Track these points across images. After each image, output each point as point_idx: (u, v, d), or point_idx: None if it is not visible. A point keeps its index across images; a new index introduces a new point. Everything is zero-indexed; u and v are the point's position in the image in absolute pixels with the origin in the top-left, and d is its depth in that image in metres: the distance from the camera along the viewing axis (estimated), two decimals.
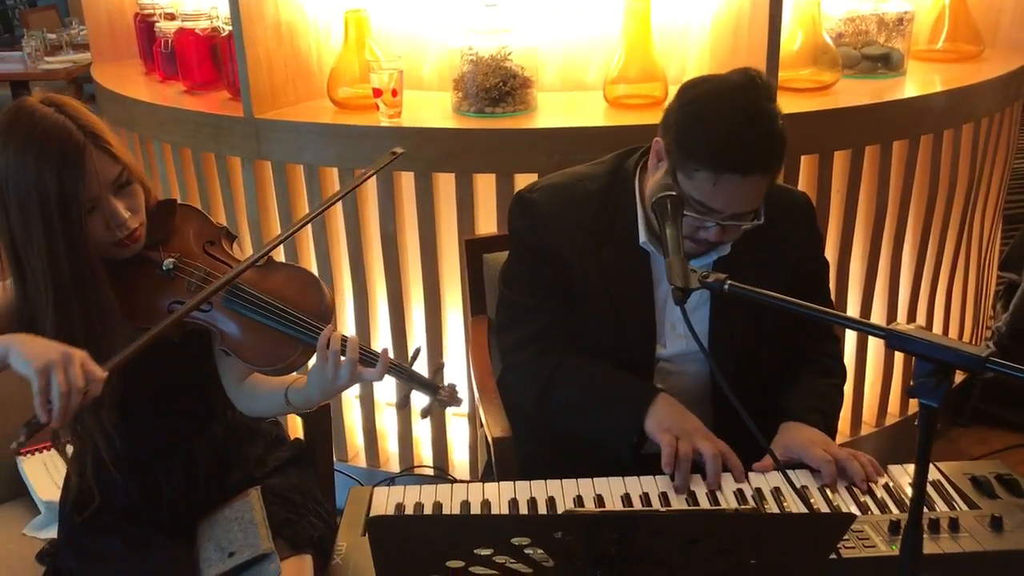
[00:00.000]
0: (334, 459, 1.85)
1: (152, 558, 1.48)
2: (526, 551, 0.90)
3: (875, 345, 2.57)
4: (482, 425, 2.09)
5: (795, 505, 1.37)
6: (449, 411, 2.47)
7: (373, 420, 2.52)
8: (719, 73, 1.53)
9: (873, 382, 2.63)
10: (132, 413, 1.48)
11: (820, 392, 1.64)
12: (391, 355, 1.42)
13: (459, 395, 1.45)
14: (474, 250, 2.03)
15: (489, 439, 1.65)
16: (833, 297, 2.40)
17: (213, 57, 2.56)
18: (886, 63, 2.47)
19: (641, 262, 1.63)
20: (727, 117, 1.44)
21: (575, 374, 1.64)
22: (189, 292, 1.41)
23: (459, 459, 2.54)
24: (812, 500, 1.39)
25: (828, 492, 1.41)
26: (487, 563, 0.90)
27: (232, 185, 2.44)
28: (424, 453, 2.55)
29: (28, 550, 1.68)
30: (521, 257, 1.72)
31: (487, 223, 2.25)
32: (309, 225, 2.37)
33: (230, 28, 2.44)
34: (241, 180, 2.40)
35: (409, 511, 1.37)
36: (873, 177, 2.34)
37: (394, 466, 2.57)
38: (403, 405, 1.46)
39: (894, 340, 1.06)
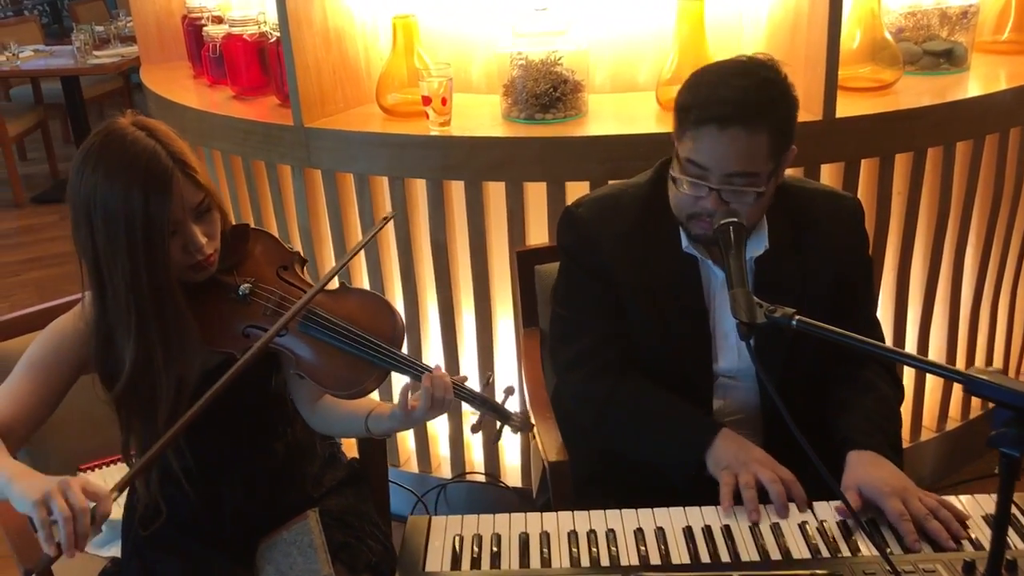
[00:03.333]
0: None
1: None
2: None
3: (935, 348, 2.50)
4: (534, 437, 2.08)
5: (867, 549, 1.32)
6: None
7: (424, 425, 2.52)
8: None
9: (933, 387, 2.56)
10: (197, 428, 1.47)
11: (877, 410, 1.57)
12: (463, 380, 1.44)
13: (528, 421, 1.45)
14: (525, 262, 2.01)
15: (545, 463, 1.63)
16: (893, 303, 2.35)
17: (261, 62, 2.55)
18: (949, 58, 2.39)
19: (689, 270, 1.60)
20: (711, 73, 1.47)
21: (632, 400, 1.62)
22: (264, 316, 1.43)
23: (510, 464, 2.53)
24: (888, 549, 1.32)
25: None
26: None
27: (283, 193, 2.44)
28: (475, 458, 2.55)
29: (91, 567, 1.70)
30: (571, 273, 1.70)
31: (538, 233, 2.22)
32: (359, 235, 2.36)
33: (278, 34, 2.43)
34: (291, 188, 2.40)
35: (468, 543, 1.35)
36: (936, 179, 2.27)
37: (446, 471, 2.57)
38: (478, 430, 1.45)
39: (972, 386, 1.02)
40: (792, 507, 1.41)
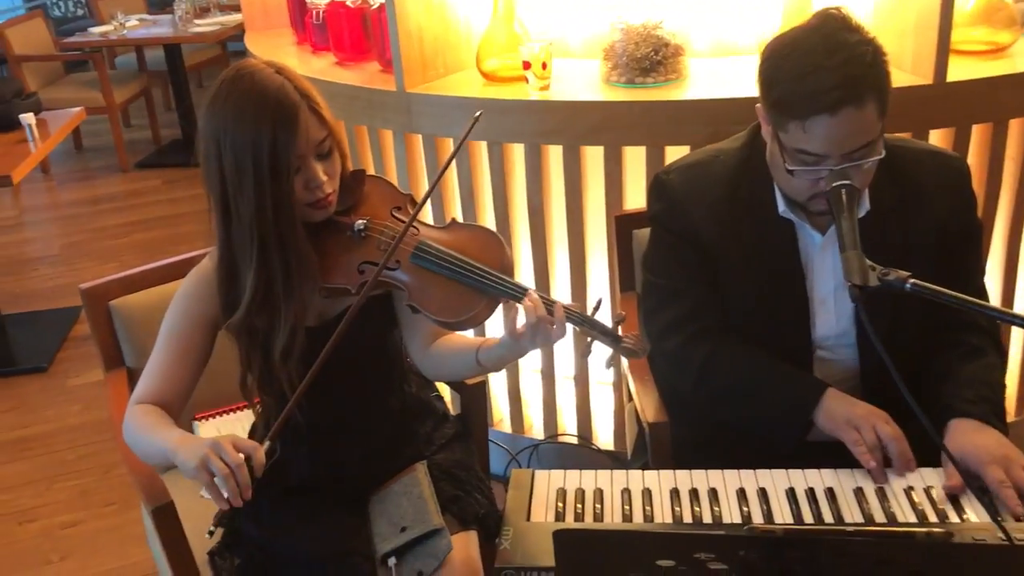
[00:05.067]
0: None
1: (330, 531, 1.56)
2: (709, 565, 0.90)
3: None
4: (631, 399, 2.10)
5: (976, 516, 1.31)
6: (593, 379, 2.48)
7: (518, 386, 2.57)
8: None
9: None
10: (317, 382, 1.54)
11: (980, 377, 1.53)
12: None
13: (645, 343, 1.42)
14: (623, 226, 2.02)
15: (644, 424, 1.66)
16: (1002, 274, 2.29)
17: (364, 29, 2.60)
18: None
19: (784, 235, 1.58)
20: (798, 61, 1.38)
21: (732, 363, 1.61)
22: (379, 252, 1.47)
23: (601, 427, 2.56)
24: (1001, 517, 1.29)
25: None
26: (667, 574, 0.91)
27: (384, 158, 2.49)
28: (565, 421, 2.59)
29: (207, 512, 1.80)
30: (662, 240, 1.69)
31: (635, 197, 2.23)
32: (458, 198, 2.41)
33: (380, 1, 2.48)
34: (392, 153, 2.45)
35: (571, 497, 1.39)
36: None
37: (537, 433, 2.61)
38: (586, 354, 1.45)
39: None
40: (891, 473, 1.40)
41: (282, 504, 1.62)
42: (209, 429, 1.97)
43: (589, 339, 1.41)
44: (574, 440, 2.56)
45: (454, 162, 2.37)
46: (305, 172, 1.43)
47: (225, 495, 1.25)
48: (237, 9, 5.96)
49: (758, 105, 1.49)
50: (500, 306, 1.46)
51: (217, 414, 2.00)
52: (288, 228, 1.43)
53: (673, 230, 1.65)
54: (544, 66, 2.18)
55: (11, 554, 2.57)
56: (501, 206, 2.34)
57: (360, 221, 1.50)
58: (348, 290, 1.48)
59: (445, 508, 1.58)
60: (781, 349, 1.61)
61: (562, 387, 2.53)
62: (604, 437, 2.55)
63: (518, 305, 1.40)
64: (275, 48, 2.95)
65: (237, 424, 1.98)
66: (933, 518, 1.30)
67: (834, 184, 1.35)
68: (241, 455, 1.26)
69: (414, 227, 1.50)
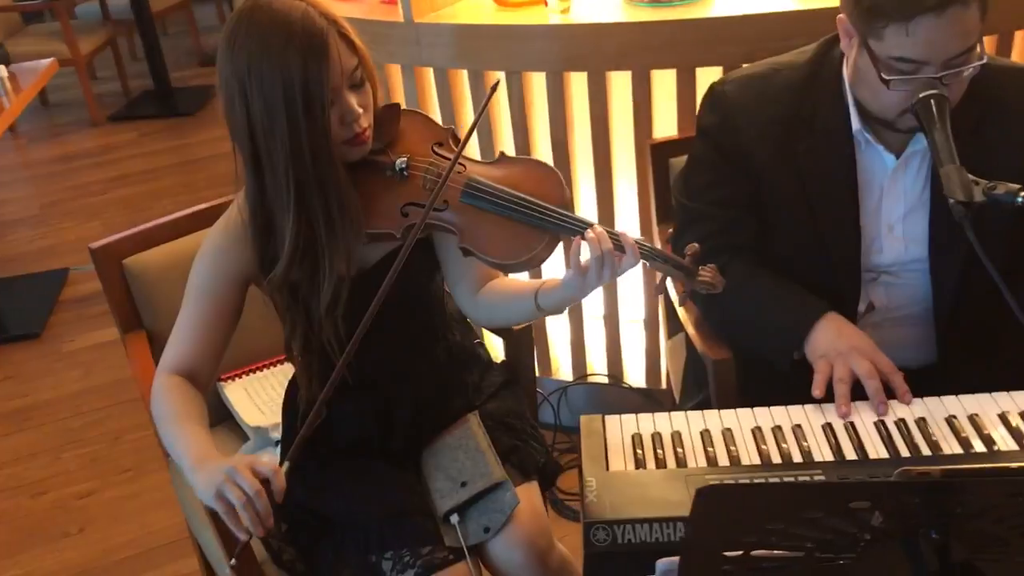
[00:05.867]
0: None
1: (385, 490, 1.48)
2: (858, 514, 0.82)
3: None
4: (671, 336, 2.03)
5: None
6: (623, 317, 2.40)
7: (544, 329, 2.48)
8: None
9: None
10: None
11: None
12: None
13: (720, 276, 1.33)
14: (659, 155, 1.92)
15: (707, 361, 1.57)
16: None
17: None
18: None
19: (845, 158, 1.48)
20: None
21: (738, 279, 1.49)
22: (424, 191, 1.36)
23: (632, 367, 2.49)
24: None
25: None
26: (812, 525, 0.84)
27: (391, 95, 2.36)
28: (593, 360, 2.51)
29: None
30: (706, 156, 1.58)
31: (665, 125, 2.12)
32: (476, 136, 2.28)
33: None
34: (402, 89, 2.32)
35: (647, 442, 1.31)
36: None
37: (566, 375, 2.54)
38: (661, 291, 1.36)
39: None
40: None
41: (330, 465, 1.53)
42: (236, 390, 1.87)
43: (661, 275, 1.32)
44: (604, 380, 2.49)
45: (469, 97, 2.25)
46: (340, 105, 1.31)
47: (245, 524, 1.18)
48: None
49: (840, 16, 1.39)
50: (560, 245, 1.36)
51: (243, 373, 1.90)
52: (327, 169, 1.31)
53: (722, 146, 1.54)
54: None
55: (26, 527, 2.48)
56: (522, 140, 2.23)
57: (401, 159, 1.38)
58: (392, 235, 1.37)
59: (505, 459, 1.51)
60: (828, 273, 1.52)
61: (590, 327, 2.44)
62: (634, 376, 2.48)
63: (582, 241, 1.29)
64: None
65: (264, 383, 1.89)
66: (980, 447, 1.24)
67: (921, 95, 1.25)
68: (258, 483, 1.19)
69: (460, 163, 1.39)
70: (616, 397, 2.49)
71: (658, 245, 1.88)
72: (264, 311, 1.47)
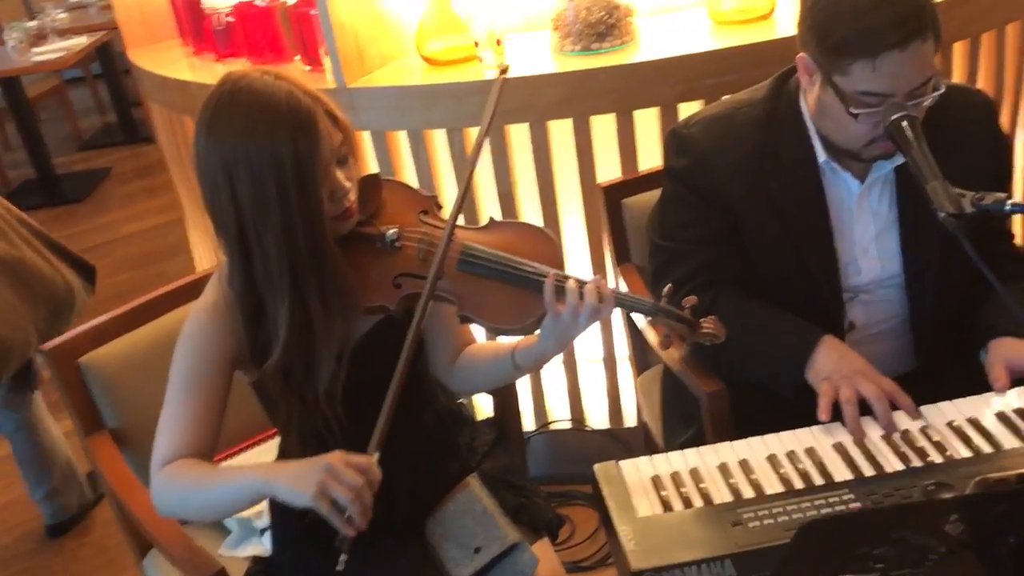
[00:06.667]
0: None
1: (396, 567, 1.42)
2: (945, 528, 0.84)
3: None
4: (640, 373, 2.04)
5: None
6: (581, 357, 2.40)
7: None
8: None
9: None
10: (354, 407, 1.40)
11: (1019, 300, 1.52)
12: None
13: (721, 324, 1.33)
14: (612, 197, 1.95)
15: (700, 395, 1.58)
16: None
17: (280, 28, 2.41)
18: None
19: (814, 188, 1.54)
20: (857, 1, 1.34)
21: (730, 311, 1.54)
22: (418, 262, 1.34)
23: (593, 408, 2.48)
24: None
25: None
26: (895, 544, 0.85)
27: None
28: (552, 407, 2.50)
29: (232, 570, 1.62)
30: (680, 198, 1.63)
31: (607, 167, 2.16)
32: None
33: None
34: None
35: (668, 482, 1.31)
36: (991, 64, 2.26)
37: (527, 424, 2.51)
38: (667, 346, 1.36)
39: None
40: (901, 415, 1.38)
41: (332, 550, 1.46)
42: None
43: (666, 329, 1.33)
44: (567, 425, 2.48)
45: (409, 156, 2.23)
46: (330, 182, 1.28)
47: (354, 520, 1.18)
48: (79, 32, 5.54)
49: (800, 55, 1.44)
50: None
51: (218, 460, 1.80)
52: (321, 248, 1.28)
53: (695, 187, 1.58)
54: (499, 43, 2.07)
55: None
56: (468, 195, 2.22)
57: (391, 230, 1.36)
58: (386, 307, 1.35)
59: (514, 518, 1.47)
60: (814, 301, 1.57)
61: (548, 371, 2.43)
62: (597, 418, 2.48)
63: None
64: (171, 62, 2.71)
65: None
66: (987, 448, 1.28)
67: (893, 117, 1.31)
68: (361, 476, 1.19)
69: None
70: (578, 441, 2.48)
71: (623, 287, 1.91)
72: (237, 391, 1.41)
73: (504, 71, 1.41)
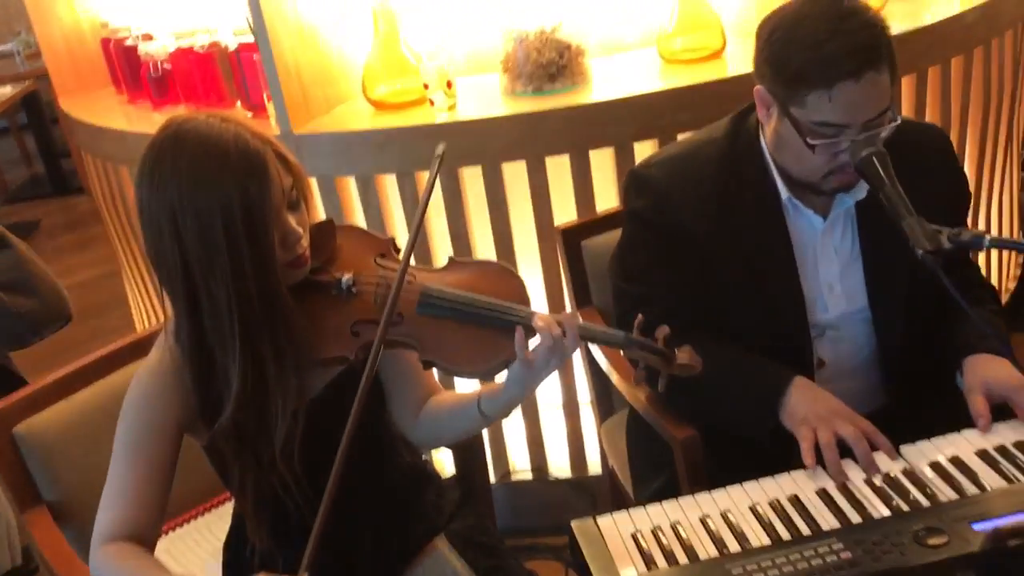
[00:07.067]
0: None
1: None
2: None
3: None
4: (604, 420, 1.98)
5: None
6: (542, 404, 2.34)
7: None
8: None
9: None
10: (313, 466, 1.30)
11: (986, 319, 1.51)
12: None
13: (697, 354, 1.29)
14: (570, 239, 1.91)
15: (673, 442, 1.53)
16: None
17: (220, 73, 2.34)
18: None
19: (778, 225, 1.52)
20: (812, 29, 1.34)
21: (702, 355, 1.52)
22: (375, 307, 1.26)
23: (555, 456, 2.42)
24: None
25: None
26: None
27: None
28: (513, 457, 2.43)
29: None
30: (641, 240, 1.59)
31: (563, 209, 2.12)
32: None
33: (237, 40, 2.25)
34: None
35: (649, 539, 1.25)
36: (936, 98, 2.29)
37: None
38: (640, 380, 1.30)
39: None
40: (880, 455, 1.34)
41: None
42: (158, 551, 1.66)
43: (642, 364, 1.28)
44: (528, 475, 2.41)
45: (359, 202, 2.17)
46: (281, 227, 1.21)
47: None
48: (3, 82, 5.39)
49: (757, 88, 1.42)
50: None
51: (178, 524, 1.69)
52: (274, 297, 1.21)
53: (658, 227, 1.54)
54: (449, 85, 2.03)
55: None
56: (421, 237, 2.16)
57: (346, 276, 1.29)
58: (346, 357, 1.27)
59: None
60: (781, 339, 1.54)
61: (508, 420, 2.37)
62: (559, 465, 2.41)
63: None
64: (106, 110, 2.62)
65: (187, 541, 1.69)
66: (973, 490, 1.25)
67: (863, 153, 1.29)
68: None
69: (410, 273, 1.31)
70: (541, 491, 2.41)
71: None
72: (188, 453, 1.32)
73: (442, 155, 1.35)
